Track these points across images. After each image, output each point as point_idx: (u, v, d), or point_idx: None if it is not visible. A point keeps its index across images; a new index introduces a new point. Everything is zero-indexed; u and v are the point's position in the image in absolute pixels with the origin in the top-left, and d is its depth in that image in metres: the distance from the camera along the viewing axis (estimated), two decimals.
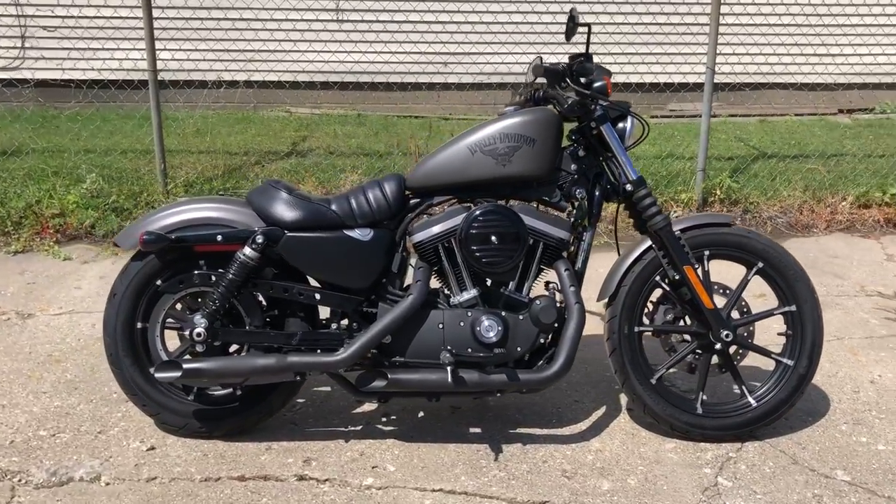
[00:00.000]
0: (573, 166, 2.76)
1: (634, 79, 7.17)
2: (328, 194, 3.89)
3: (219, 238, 2.63)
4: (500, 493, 2.53)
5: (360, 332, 2.65)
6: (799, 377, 2.79)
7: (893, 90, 7.62)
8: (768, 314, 2.85)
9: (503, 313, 2.67)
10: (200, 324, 2.62)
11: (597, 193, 2.75)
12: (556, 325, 2.66)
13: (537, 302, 2.66)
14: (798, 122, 7.40)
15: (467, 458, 2.71)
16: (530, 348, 2.68)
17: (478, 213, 2.64)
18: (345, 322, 2.74)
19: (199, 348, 2.66)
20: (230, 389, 2.74)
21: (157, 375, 2.61)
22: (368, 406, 3.02)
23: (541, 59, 2.73)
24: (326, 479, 2.58)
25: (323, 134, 6.71)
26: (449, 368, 2.57)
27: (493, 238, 2.63)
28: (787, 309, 2.80)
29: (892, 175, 5.62)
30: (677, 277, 2.75)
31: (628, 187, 2.74)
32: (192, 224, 2.67)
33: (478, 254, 2.63)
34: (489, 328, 2.63)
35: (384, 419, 2.94)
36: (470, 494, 2.52)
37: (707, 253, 2.79)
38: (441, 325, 2.65)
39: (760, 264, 2.79)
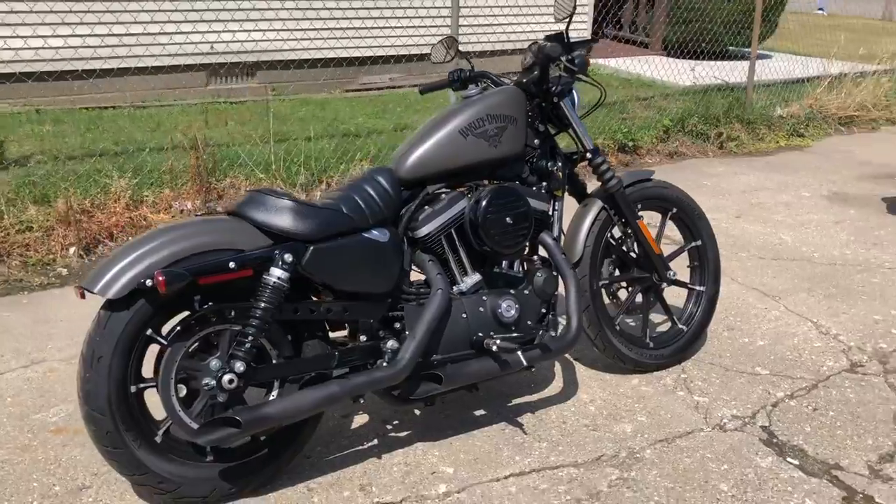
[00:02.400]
0: (536, 141, 2.88)
1: (331, 54, 7.21)
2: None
3: (231, 265, 2.23)
4: (561, 460, 2.63)
5: (400, 338, 2.50)
6: (709, 299, 3.32)
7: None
8: (681, 251, 3.32)
9: (512, 291, 2.72)
10: (234, 367, 2.22)
11: (559, 164, 2.92)
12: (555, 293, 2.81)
13: (538, 275, 2.77)
14: None
15: (502, 440, 2.74)
16: (538, 319, 2.78)
17: (489, 196, 2.63)
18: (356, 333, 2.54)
19: (220, 398, 2.26)
20: (250, 439, 2.37)
21: (206, 439, 2.17)
22: (360, 419, 2.84)
23: (536, 42, 2.81)
24: (402, 500, 2.42)
25: (22, 137, 5.57)
26: (494, 350, 2.56)
27: (508, 219, 2.66)
28: (694, 244, 3.30)
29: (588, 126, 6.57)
30: (627, 232, 3.07)
31: (588, 155, 2.96)
32: (190, 254, 2.22)
33: (496, 236, 2.64)
34: (508, 308, 2.67)
35: (389, 427, 2.81)
36: (540, 469, 2.58)
37: (639, 206, 3.14)
38: (464, 315, 2.61)
39: (674, 210, 3.23)
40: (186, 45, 6.65)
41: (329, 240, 2.38)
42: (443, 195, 2.68)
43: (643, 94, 7.70)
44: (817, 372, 3.24)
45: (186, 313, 2.29)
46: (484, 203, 2.62)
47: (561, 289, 2.81)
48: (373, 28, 7.53)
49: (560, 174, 2.90)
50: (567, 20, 2.85)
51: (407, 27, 7.72)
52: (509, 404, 2.96)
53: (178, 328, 2.25)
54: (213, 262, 2.22)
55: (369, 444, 2.70)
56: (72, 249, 4.16)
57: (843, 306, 3.87)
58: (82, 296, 2.20)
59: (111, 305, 2.18)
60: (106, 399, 2.17)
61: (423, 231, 2.60)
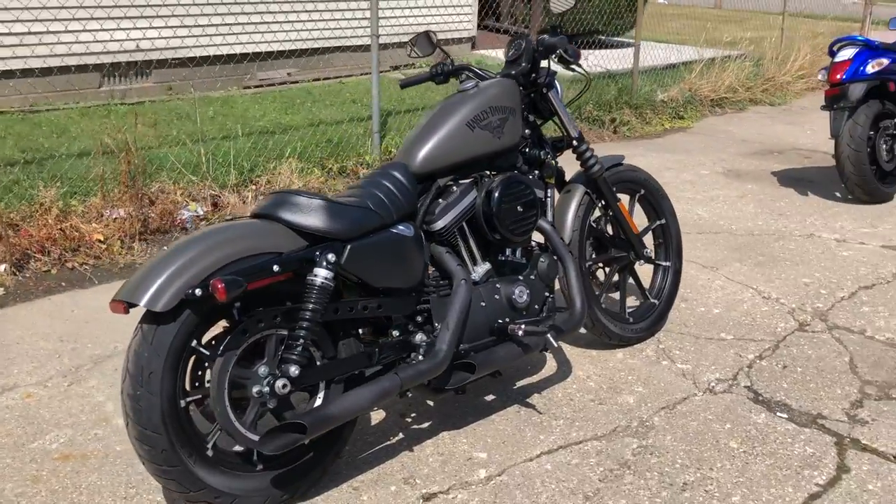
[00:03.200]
0: (527, 131, 2.98)
1: (224, 50, 6.98)
2: None
3: (276, 268, 2.19)
4: (581, 435, 2.75)
5: (426, 330, 2.53)
6: (675, 273, 3.54)
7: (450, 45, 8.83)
8: (648, 230, 3.51)
9: (520, 277, 2.81)
10: (289, 371, 2.19)
11: (548, 151, 3.02)
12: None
13: (542, 260, 2.87)
14: (365, 79, 8.11)
15: (521, 422, 2.83)
16: (543, 302, 2.88)
17: (501, 186, 2.70)
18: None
19: (270, 404, 2.22)
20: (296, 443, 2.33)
21: (272, 447, 2.12)
22: (377, 416, 2.85)
23: (532, 36, 2.88)
24: (448, 488, 2.47)
25: None
26: (520, 336, 2.64)
27: (519, 207, 2.74)
28: (658, 223, 3.50)
29: None
30: (606, 214, 3.23)
31: (574, 143, 3.08)
32: (232, 259, 2.16)
33: (510, 225, 2.71)
34: (520, 293, 2.76)
35: (409, 420, 2.84)
36: (566, 445, 2.69)
37: (614, 188, 3.30)
38: (483, 303, 2.68)
39: (642, 191, 3.42)
40: (76, 46, 6.25)
41: (363, 237, 2.38)
42: (454, 187, 2.72)
43: None
44: (774, 333, 3.53)
45: (224, 322, 2.24)
46: (497, 193, 2.68)
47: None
48: (270, 22, 7.36)
49: (552, 162, 3.01)
50: (563, 14, 2.96)
51: (306, 21, 7.60)
52: (514, 387, 3.06)
53: (228, 337, 2.18)
54: (259, 265, 2.17)
55: (396, 438, 2.72)
56: (2, 267, 3.87)
57: (773, 272, 4.22)
58: (126, 311, 2.09)
59: (157, 318, 2.09)
60: (160, 416, 2.08)
61: (440, 224, 2.64)
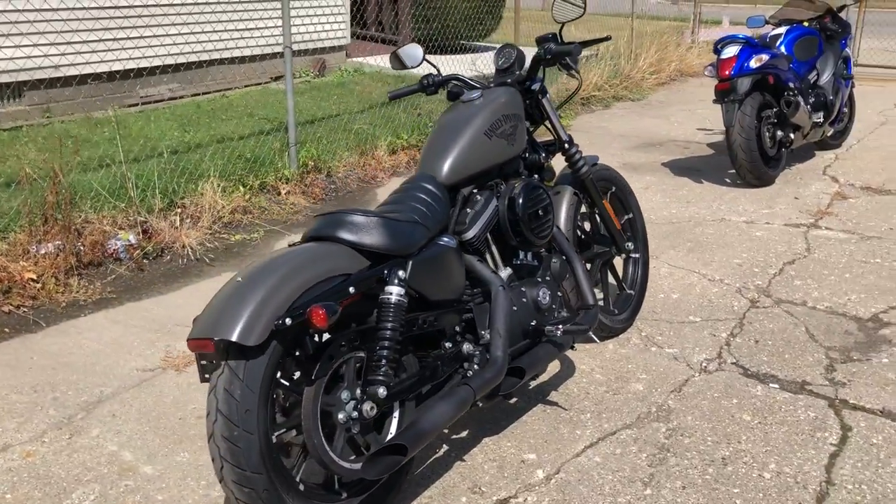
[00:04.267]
0: (525, 137, 3.05)
1: (102, 68, 6.55)
2: None
3: (351, 290, 2.15)
4: (612, 426, 2.87)
5: (470, 339, 2.56)
6: (644, 263, 3.74)
7: (302, 56, 8.63)
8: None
9: (539, 280, 2.89)
10: (377, 393, 2.15)
11: (545, 155, 3.11)
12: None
13: (553, 261, 2.96)
14: (247, 92, 7.87)
15: (553, 420, 2.91)
16: (559, 301, 2.97)
17: (523, 192, 2.75)
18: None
19: (355, 429, 2.18)
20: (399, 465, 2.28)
21: (376, 473, 2.08)
22: None
23: (544, 47, 2.95)
24: (516, 492, 2.51)
25: None
26: (557, 336, 2.72)
27: (540, 212, 2.81)
28: (627, 217, 3.69)
29: (394, 124, 6.75)
30: (592, 212, 3.37)
31: (566, 146, 3.19)
32: (310, 285, 2.10)
33: (535, 229, 2.78)
34: (543, 295, 2.84)
35: (447, 431, 2.83)
36: (604, 437, 2.80)
37: None
38: (515, 307, 2.73)
39: (613, 188, 3.59)
40: None
41: (419, 252, 2.37)
42: (478, 196, 2.75)
43: None
44: (733, 312, 3.81)
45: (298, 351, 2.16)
46: (521, 200, 2.74)
47: None
48: (148, 37, 6.97)
49: (550, 165, 3.11)
50: (566, 23, 3.06)
51: (186, 35, 7.26)
52: (530, 388, 3.12)
53: (318, 364, 2.11)
54: (337, 288, 2.12)
55: (442, 451, 2.72)
56: None
57: (706, 256, 4.53)
58: (214, 348, 1.97)
59: (245, 353, 1.99)
60: (259, 455, 1.99)
61: (472, 233, 2.66)
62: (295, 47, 8.59)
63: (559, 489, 2.52)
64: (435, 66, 3.17)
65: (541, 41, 3.06)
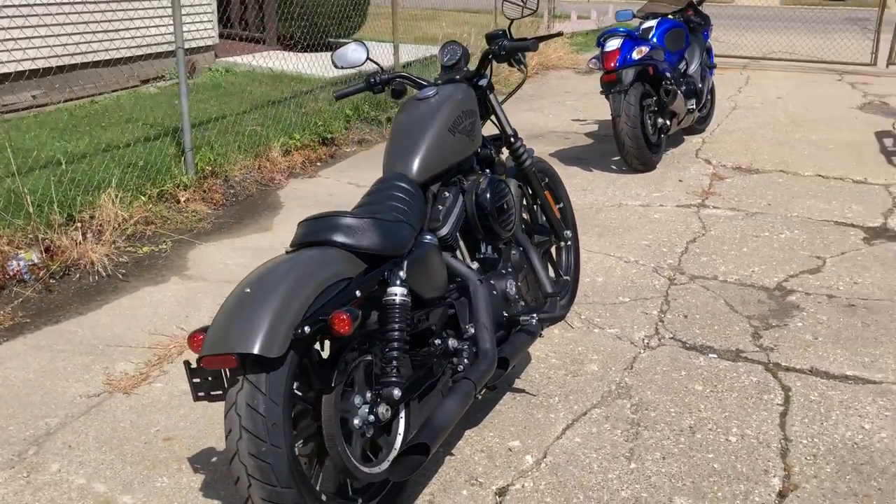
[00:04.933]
0: (481, 132, 3.10)
1: None
2: None
3: (357, 293, 2.12)
4: (582, 407, 2.99)
5: (460, 334, 2.58)
6: (576, 250, 3.88)
7: (169, 58, 8.22)
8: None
9: (503, 271, 2.95)
10: (392, 395, 2.15)
11: (494, 150, 3.17)
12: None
13: (513, 253, 3.04)
14: (119, 97, 7.43)
15: (525, 407, 2.99)
16: (520, 291, 3.05)
17: (489, 187, 2.80)
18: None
19: (369, 433, 2.17)
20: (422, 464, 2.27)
21: (402, 475, 2.09)
22: None
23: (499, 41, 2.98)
24: (512, 479, 2.57)
25: None
26: (533, 325, 2.79)
27: (505, 205, 2.86)
28: (559, 206, 3.81)
29: (284, 125, 6.58)
30: (535, 203, 3.47)
31: (511, 140, 3.25)
32: (320, 292, 2.06)
33: (502, 222, 2.83)
34: (510, 286, 2.91)
35: None
36: (577, 418, 2.92)
37: None
38: (489, 300, 2.77)
39: (547, 179, 3.70)
40: None
41: (411, 251, 2.37)
42: (446, 193, 2.77)
43: (304, 88, 7.89)
44: (657, 290, 4.04)
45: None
46: (489, 194, 2.79)
47: None
48: (5, 40, 6.43)
49: (501, 159, 3.17)
50: (516, 19, 3.12)
51: (48, 37, 6.76)
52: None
53: (336, 372, 2.07)
54: (345, 293, 2.10)
55: None
56: None
57: (615, 240, 4.76)
58: (236, 363, 1.89)
59: (265, 365, 1.93)
60: (288, 469, 1.93)
61: (446, 229, 2.69)
62: (161, 49, 8.28)
63: (551, 472, 2.60)
64: (378, 65, 3.15)
65: (492, 38, 3.12)
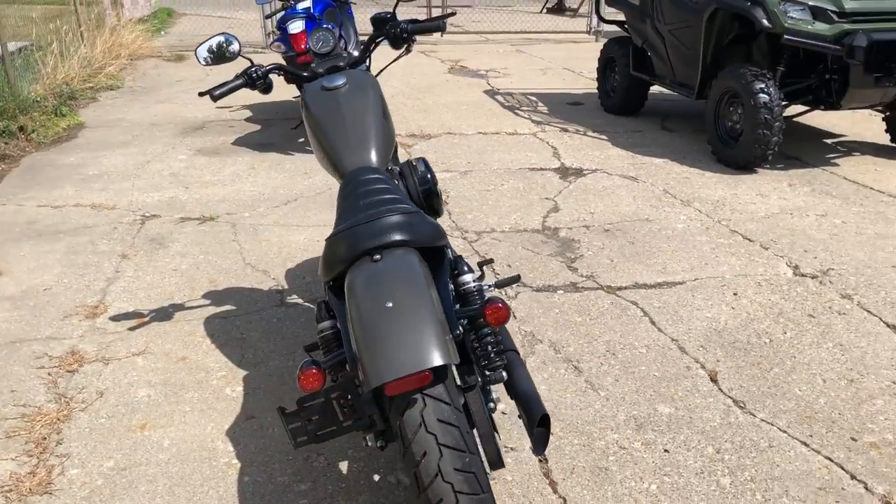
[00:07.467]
0: None
1: None
2: None
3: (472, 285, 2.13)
4: (537, 359, 3.20)
5: None
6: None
7: None
8: None
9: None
10: (502, 378, 2.19)
11: None
12: None
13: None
14: None
15: None
16: None
17: (425, 166, 2.82)
18: None
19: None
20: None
21: (543, 447, 2.11)
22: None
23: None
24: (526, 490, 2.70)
25: None
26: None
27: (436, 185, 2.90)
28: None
29: None
30: None
31: None
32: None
33: (439, 200, 2.86)
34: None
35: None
36: (541, 364, 3.11)
37: None
38: None
39: None
40: None
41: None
42: (395, 179, 2.72)
43: None
44: (473, 248, 4.35)
45: None
46: (430, 174, 2.81)
47: None
48: None
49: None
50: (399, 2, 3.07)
51: None
52: None
53: (484, 365, 2.04)
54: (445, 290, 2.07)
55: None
56: None
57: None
58: (430, 378, 1.76)
59: (440, 376, 1.83)
60: (484, 473, 1.87)
61: None
62: None
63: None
64: (249, 59, 2.90)
65: (381, 20, 3.05)
